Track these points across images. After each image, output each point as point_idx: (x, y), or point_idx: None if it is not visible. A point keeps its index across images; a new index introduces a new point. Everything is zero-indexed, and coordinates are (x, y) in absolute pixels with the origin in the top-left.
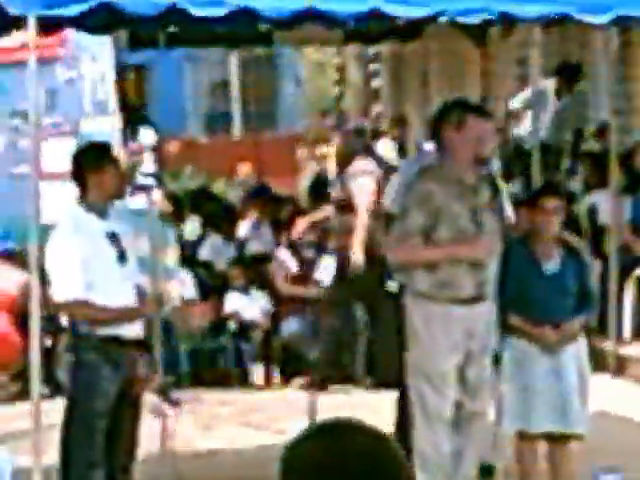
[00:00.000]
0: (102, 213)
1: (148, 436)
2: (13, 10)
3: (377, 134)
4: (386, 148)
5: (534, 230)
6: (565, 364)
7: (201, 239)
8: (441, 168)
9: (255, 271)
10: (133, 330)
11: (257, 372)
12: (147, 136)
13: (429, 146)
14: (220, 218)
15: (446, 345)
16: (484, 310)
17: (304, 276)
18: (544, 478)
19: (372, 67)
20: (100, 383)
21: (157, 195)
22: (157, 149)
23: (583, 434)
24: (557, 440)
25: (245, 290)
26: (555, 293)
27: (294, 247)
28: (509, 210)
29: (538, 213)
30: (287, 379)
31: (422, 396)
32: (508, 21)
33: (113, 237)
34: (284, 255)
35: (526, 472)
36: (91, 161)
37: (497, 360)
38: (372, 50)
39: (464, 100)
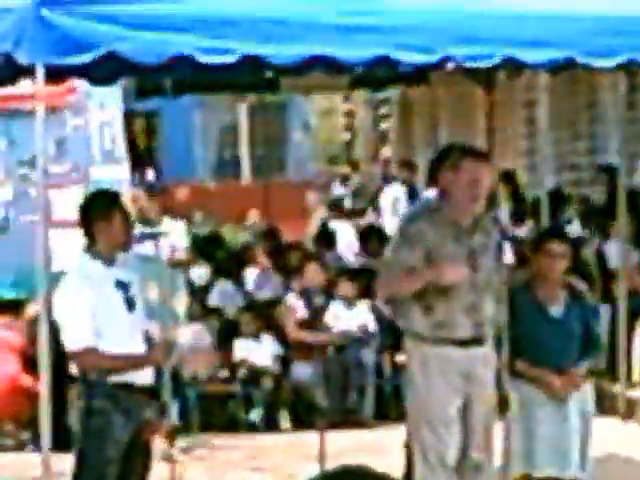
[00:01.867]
0: (110, 261)
1: None
2: (22, 59)
3: (387, 178)
4: (396, 192)
5: (539, 274)
6: (569, 408)
7: (210, 285)
8: (437, 210)
9: (265, 317)
10: (143, 377)
11: (267, 417)
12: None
13: (430, 192)
14: (229, 264)
15: (444, 388)
16: (482, 353)
17: (314, 322)
18: None
19: (381, 111)
20: (111, 430)
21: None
22: (165, 194)
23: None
24: None
25: (255, 336)
26: (560, 337)
27: (304, 293)
28: (508, 254)
29: (543, 256)
30: (297, 424)
31: (423, 443)
32: (514, 66)
33: (121, 285)
34: (294, 301)
35: None
36: (99, 209)
37: (506, 404)
38: (381, 95)
39: (463, 144)
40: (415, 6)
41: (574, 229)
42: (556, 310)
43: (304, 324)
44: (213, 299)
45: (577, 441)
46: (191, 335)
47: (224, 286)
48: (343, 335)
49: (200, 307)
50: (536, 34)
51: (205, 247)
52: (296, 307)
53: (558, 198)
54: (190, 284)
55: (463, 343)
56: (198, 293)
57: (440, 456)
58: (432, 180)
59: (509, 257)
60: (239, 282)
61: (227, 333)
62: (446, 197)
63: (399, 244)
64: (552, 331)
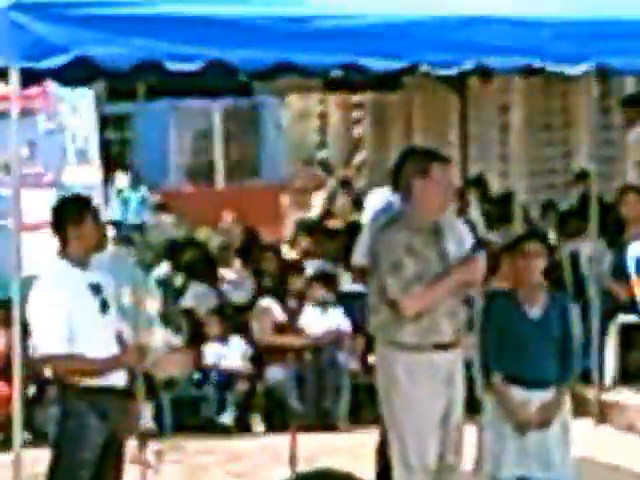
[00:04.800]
0: (83, 264)
1: None
2: None
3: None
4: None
5: (517, 276)
6: None
7: (184, 288)
8: (409, 216)
9: (235, 319)
10: (117, 379)
11: (240, 420)
12: (121, 180)
13: (382, 194)
14: (201, 266)
15: (430, 394)
16: (459, 357)
17: (288, 325)
18: None
19: (355, 115)
20: (87, 433)
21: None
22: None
23: None
24: None
25: (223, 340)
26: (538, 339)
27: (279, 296)
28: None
29: (520, 257)
30: (270, 427)
31: (405, 447)
32: (486, 72)
33: (95, 288)
34: (269, 304)
35: None
36: (71, 213)
37: (477, 407)
38: (354, 99)
39: (424, 148)
40: (384, 12)
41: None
42: (535, 312)
43: (279, 327)
44: (187, 301)
45: (557, 447)
46: (163, 338)
47: (198, 288)
48: (319, 339)
49: (173, 309)
50: (506, 40)
51: (174, 249)
52: (271, 310)
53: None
54: (163, 286)
55: (446, 347)
56: (171, 295)
57: (422, 460)
58: (395, 184)
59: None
60: (213, 284)
61: (197, 335)
62: (413, 202)
63: (400, 258)
64: (530, 333)
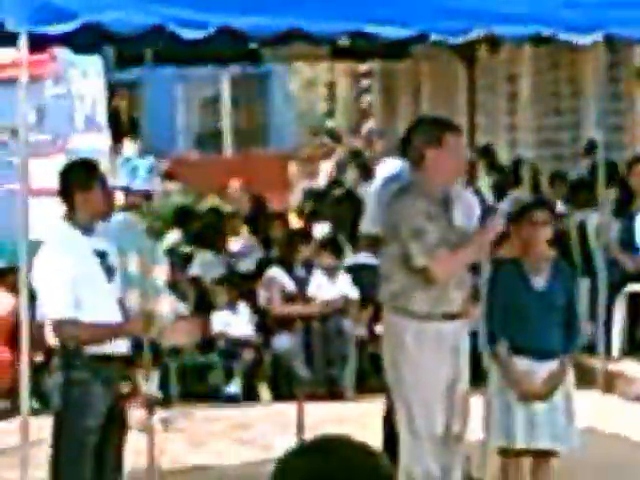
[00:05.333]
0: (89, 230)
1: (136, 453)
2: (7, 27)
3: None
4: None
5: (523, 244)
6: None
7: (192, 256)
8: (421, 185)
9: (242, 287)
10: (120, 346)
11: (247, 389)
12: (129, 148)
13: (394, 163)
14: (209, 235)
15: (438, 363)
16: (465, 327)
17: (297, 294)
18: None
19: (363, 84)
20: (92, 401)
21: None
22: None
23: (563, 452)
24: (539, 457)
25: (231, 307)
26: (543, 309)
27: (287, 264)
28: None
29: (527, 226)
30: (277, 395)
31: (412, 415)
32: (494, 41)
33: (100, 254)
34: (277, 273)
35: None
36: (78, 179)
37: (483, 377)
38: (363, 67)
39: (435, 117)
40: None
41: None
42: (540, 282)
43: (288, 297)
44: (194, 269)
45: (560, 414)
46: (170, 306)
47: (205, 256)
48: (326, 304)
49: (180, 278)
50: (516, 8)
51: (187, 218)
52: (280, 279)
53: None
54: (172, 254)
55: (455, 316)
56: (179, 263)
57: (429, 428)
58: (405, 153)
59: None
60: (221, 252)
61: (204, 303)
62: (425, 171)
63: (422, 224)
64: (535, 302)
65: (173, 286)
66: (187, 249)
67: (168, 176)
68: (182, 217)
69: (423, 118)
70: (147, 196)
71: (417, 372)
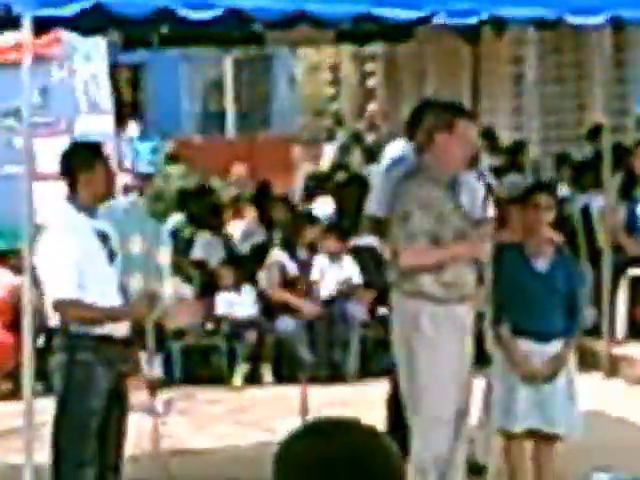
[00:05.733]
0: (92, 212)
1: (139, 435)
2: (14, 9)
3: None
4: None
5: (526, 228)
6: None
7: (192, 238)
8: (427, 169)
9: (246, 269)
10: (122, 328)
11: (249, 371)
12: (132, 129)
13: (400, 145)
14: (208, 216)
15: (453, 345)
16: (471, 308)
17: (299, 278)
18: (531, 477)
19: (367, 67)
20: (95, 382)
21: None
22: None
23: (564, 435)
24: (540, 439)
25: (236, 288)
26: (545, 292)
27: (290, 247)
28: (489, 209)
29: (530, 210)
30: (280, 378)
31: (426, 397)
32: (500, 23)
33: (102, 236)
34: (280, 256)
35: (513, 471)
36: (81, 160)
37: (487, 360)
38: (367, 50)
39: (447, 102)
40: None
41: (560, 188)
42: (542, 265)
43: (290, 281)
44: (196, 252)
45: (563, 401)
46: (174, 288)
47: (206, 239)
48: (323, 303)
49: (183, 260)
50: None
51: (187, 200)
52: (283, 262)
53: None
54: (173, 237)
55: (467, 298)
56: (181, 246)
57: (442, 410)
58: (411, 136)
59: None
60: (221, 235)
61: (209, 285)
62: (433, 155)
63: (411, 209)
64: (537, 285)
65: (177, 268)
66: (188, 232)
67: (172, 158)
68: (184, 200)
69: (431, 101)
70: (147, 177)
71: (434, 355)
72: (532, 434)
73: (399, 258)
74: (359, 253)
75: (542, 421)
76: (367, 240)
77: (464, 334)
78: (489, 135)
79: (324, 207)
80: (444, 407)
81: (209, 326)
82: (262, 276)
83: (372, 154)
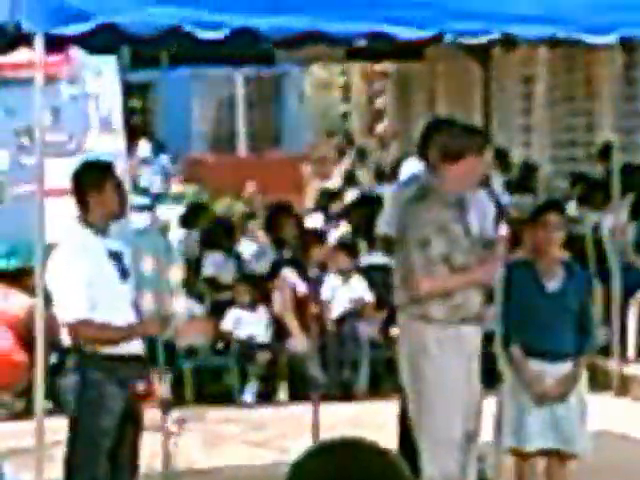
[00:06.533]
0: (103, 232)
1: (151, 454)
2: (24, 28)
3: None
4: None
5: (537, 247)
6: None
7: (201, 256)
8: (438, 191)
9: (261, 289)
10: (134, 347)
11: (261, 390)
12: (144, 149)
13: (414, 164)
14: (218, 235)
15: (459, 366)
16: (479, 329)
17: (310, 296)
18: None
19: (377, 85)
20: (106, 401)
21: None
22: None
23: (579, 454)
24: (554, 458)
25: (251, 307)
26: (556, 311)
27: (299, 266)
28: (501, 228)
29: (540, 229)
30: (291, 397)
31: (434, 418)
32: (511, 41)
33: (114, 255)
34: (289, 274)
35: None
36: (92, 180)
37: (499, 378)
38: (378, 68)
39: (462, 128)
40: None
41: (571, 207)
42: (553, 285)
43: (300, 300)
44: (207, 270)
45: (573, 416)
46: (185, 306)
47: (215, 257)
48: (334, 323)
49: (194, 277)
50: (532, 9)
51: (190, 217)
52: (292, 280)
53: None
54: (183, 255)
55: (473, 319)
56: (192, 264)
57: (450, 431)
58: (422, 155)
59: (504, 231)
60: (231, 253)
61: (220, 303)
62: (442, 180)
63: (429, 234)
64: (548, 305)
65: (188, 286)
66: (194, 249)
67: (183, 178)
68: (187, 217)
69: (443, 120)
70: (161, 197)
71: (440, 376)
72: (545, 453)
73: (418, 285)
74: (370, 272)
75: (559, 440)
76: (378, 258)
77: (471, 355)
78: (501, 154)
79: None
80: (453, 428)
81: (220, 345)
82: (275, 295)
83: (381, 173)
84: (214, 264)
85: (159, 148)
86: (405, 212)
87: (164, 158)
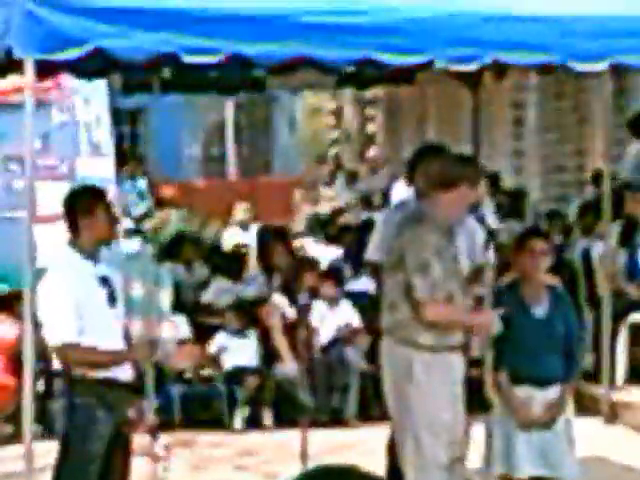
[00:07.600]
0: (93, 256)
1: (139, 478)
2: (14, 54)
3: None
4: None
5: (523, 273)
6: None
7: (207, 282)
8: (431, 216)
9: (250, 314)
10: (124, 372)
11: (250, 415)
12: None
13: (402, 189)
14: (227, 263)
15: (446, 392)
16: (463, 359)
17: (298, 322)
18: None
19: (368, 111)
20: (95, 426)
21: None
22: (153, 192)
23: (569, 479)
24: None
25: (241, 333)
26: (543, 337)
27: (289, 291)
28: (487, 253)
29: (525, 255)
30: (280, 422)
31: (420, 445)
32: (500, 68)
33: (104, 280)
34: (279, 300)
35: None
36: (83, 204)
37: (488, 405)
38: (368, 94)
39: (455, 157)
40: (401, 7)
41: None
42: (539, 310)
43: (289, 325)
44: (207, 296)
45: (561, 442)
46: (174, 330)
47: (220, 284)
48: (322, 348)
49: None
50: (522, 36)
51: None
52: (281, 306)
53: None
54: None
55: (458, 348)
56: (194, 289)
57: (437, 457)
58: (411, 180)
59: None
60: (238, 281)
61: (210, 327)
62: (433, 206)
63: (428, 257)
64: (536, 331)
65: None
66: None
67: (170, 202)
68: (173, 245)
69: (433, 146)
70: (139, 220)
71: (426, 402)
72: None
73: (424, 309)
74: (359, 298)
75: (548, 467)
76: (364, 284)
77: (457, 380)
78: (492, 179)
79: (327, 251)
80: (438, 454)
81: (207, 370)
82: (267, 322)
83: (368, 200)
84: (216, 290)
85: (135, 172)
86: (400, 235)
87: (142, 183)
